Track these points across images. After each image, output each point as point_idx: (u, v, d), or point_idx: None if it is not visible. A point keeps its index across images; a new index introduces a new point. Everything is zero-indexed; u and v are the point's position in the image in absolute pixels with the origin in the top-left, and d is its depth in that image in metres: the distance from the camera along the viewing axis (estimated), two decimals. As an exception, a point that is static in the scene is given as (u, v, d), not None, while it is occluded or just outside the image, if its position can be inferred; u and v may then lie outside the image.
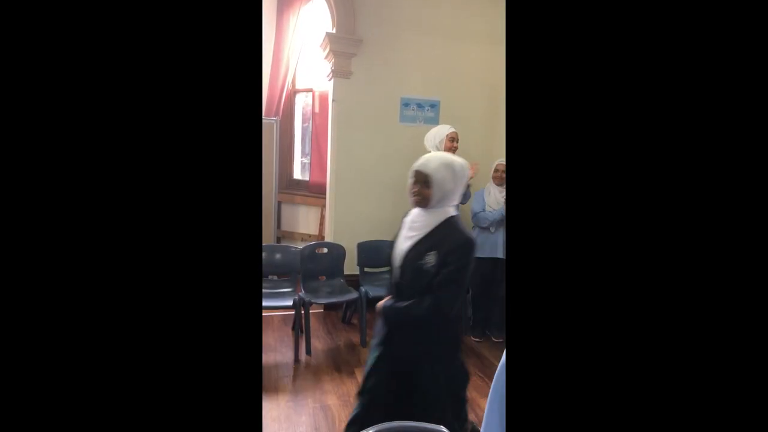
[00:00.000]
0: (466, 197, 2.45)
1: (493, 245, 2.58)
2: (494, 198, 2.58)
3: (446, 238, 1.25)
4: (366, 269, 2.85)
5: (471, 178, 2.28)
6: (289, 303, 2.40)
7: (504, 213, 2.50)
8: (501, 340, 2.65)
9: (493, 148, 3.15)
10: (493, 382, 0.66)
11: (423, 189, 1.26)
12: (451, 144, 2.38)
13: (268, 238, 3.60)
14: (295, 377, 2.21)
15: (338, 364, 2.34)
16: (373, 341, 1.38)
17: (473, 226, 2.68)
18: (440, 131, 2.43)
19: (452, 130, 2.40)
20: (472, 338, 2.69)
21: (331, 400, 2.00)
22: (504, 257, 2.58)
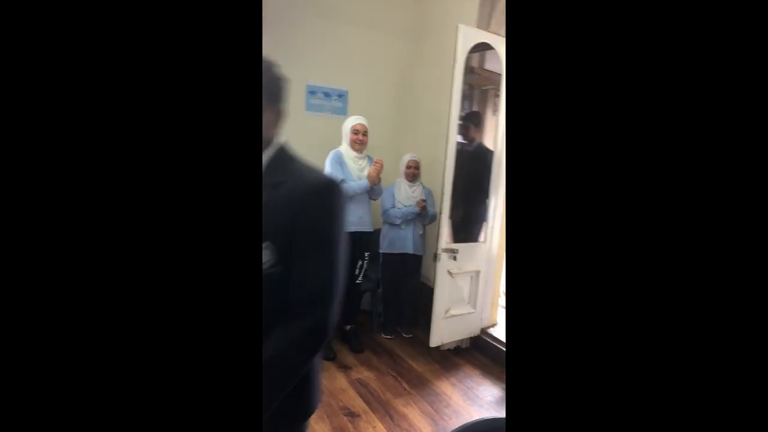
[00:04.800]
0: (377, 193, 2.38)
1: (403, 241, 2.56)
2: (405, 194, 2.54)
3: None
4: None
5: (380, 173, 2.21)
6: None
7: (415, 209, 2.48)
8: (411, 336, 2.66)
9: (403, 143, 3.14)
10: None
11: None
12: (355, 136, 2.26)
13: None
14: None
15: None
16: None
17: (383, 222, 2.62)
18: (347, 123, 2.31)
19: (358, 121, 2.29)
20: (384, 336, 2.65)
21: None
22: (413, 252, 2.57)
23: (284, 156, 0.79)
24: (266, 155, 0.77)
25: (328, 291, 0.73)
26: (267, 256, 0.71)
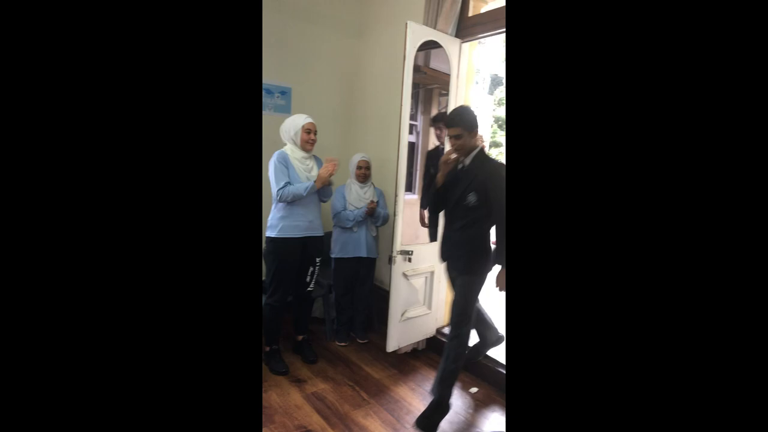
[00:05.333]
0: (328, 194, 2.26)
1: (356, 244, 2.47)
2: (356, 195, 2.46)
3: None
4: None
5: (332, 175, 2.10)
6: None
7: (364, 210, 2.40)
8: (366, 341, 2.58)
9: (351, 142, 3.04)
10: None
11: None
12: (308, 136, 2.13)
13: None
14: None
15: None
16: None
17: (334, 226, 2.52)
18: (296, 121, 2.16)
19: (309, 120, 2.16)
20: (337, 343, 2.55)
21: None
22: (367, 256, 2.49)
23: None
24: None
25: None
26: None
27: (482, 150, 1.80)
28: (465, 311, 1.80)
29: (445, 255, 1.92)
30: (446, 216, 1.89)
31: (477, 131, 1.77)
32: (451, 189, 1.81)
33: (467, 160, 1.79)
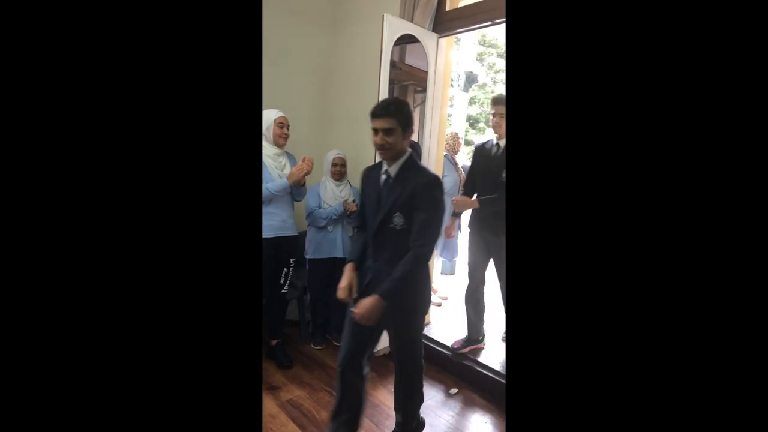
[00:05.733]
0: (301, 194, 2.17)
1: (331, 244, 2.40)
2: (331, 194, 2.38)
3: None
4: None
5: (307, 173, 2.02)
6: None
7: (340, 208, 2.33)
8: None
9: (325, 139, 2.95)
10: None
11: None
12: (281, 131, 2.05)
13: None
14: None
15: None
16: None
17: (309, 225, 2.43)
18: (267, 115, 2.06)
19: (281, 114, 2.08)
20: (313, 346, 2.47)
21: None
22: (343, 256, 2.42)
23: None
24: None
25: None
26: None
27: (411, 157, 1.42)
28: (416, 359, 1.56)
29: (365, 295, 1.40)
30: (371, 243, 1.46)
31: (412, 132, 1.40)
32: (372, 209, 1.44)
33: (392, 170, 1.40)
